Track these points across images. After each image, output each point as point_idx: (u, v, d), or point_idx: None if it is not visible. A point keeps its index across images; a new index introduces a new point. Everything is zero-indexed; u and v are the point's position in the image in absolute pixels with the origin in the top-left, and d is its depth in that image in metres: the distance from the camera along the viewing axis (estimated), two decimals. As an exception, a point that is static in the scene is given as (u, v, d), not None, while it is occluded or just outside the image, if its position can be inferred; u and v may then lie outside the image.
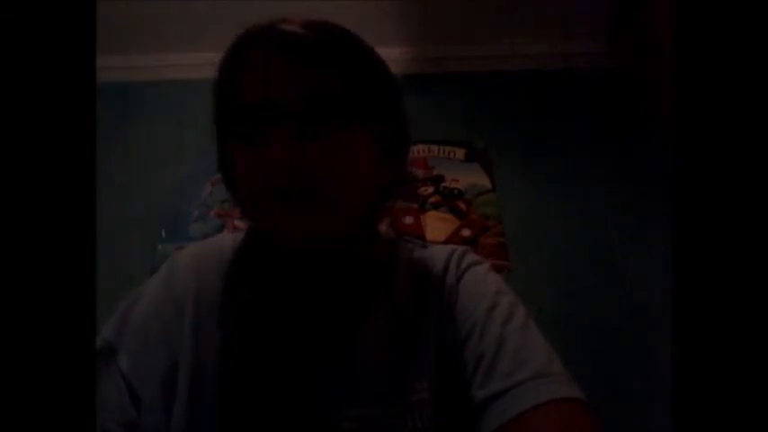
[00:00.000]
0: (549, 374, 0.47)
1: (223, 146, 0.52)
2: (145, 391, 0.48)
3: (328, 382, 0.49)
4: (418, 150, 1.72)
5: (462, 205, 1.62)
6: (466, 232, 1.57)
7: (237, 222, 1.61)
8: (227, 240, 0.58)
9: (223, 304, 0.52)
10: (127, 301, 0.54)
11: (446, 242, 1.53)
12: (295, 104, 0.44)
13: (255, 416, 0.48)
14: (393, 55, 1.88)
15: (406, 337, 0.52)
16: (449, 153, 1.73)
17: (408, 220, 1.58)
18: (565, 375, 0.48)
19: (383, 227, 0.60)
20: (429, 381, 0.50)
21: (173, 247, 1.53)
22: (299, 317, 0.52)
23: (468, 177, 1.68)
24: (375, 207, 0.54)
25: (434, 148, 1.73)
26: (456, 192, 1.65)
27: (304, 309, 0.53)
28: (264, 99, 0.44)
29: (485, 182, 1.67)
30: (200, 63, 1.91)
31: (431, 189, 1.66)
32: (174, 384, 0.48)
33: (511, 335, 0.49)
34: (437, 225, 1.58)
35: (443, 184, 1.67)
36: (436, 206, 1.62)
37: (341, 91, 0.46)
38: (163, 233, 1.58)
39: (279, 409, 0.48)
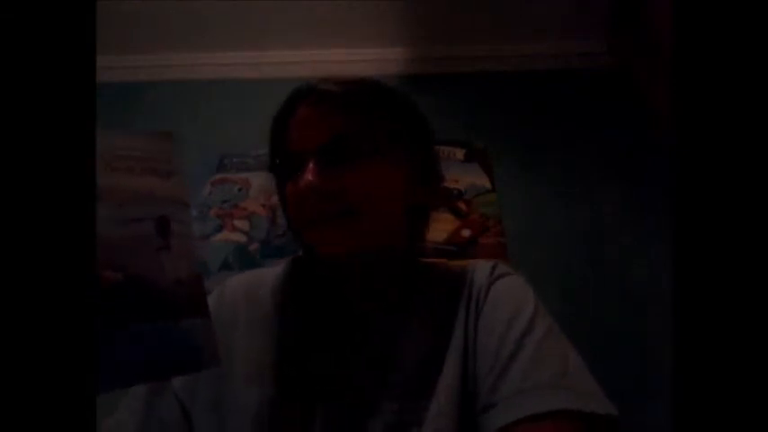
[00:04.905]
0: (549, 386, 0.47)
1: (279, 183, 0.63)
2: (195, 406, 0.54)
3: (368, 382, 0.53)
4: (418, 150, 1.72)
5: (462, 205, 1.62)
6: (466, 232, 1.57)
7: (237, 222, 1.61)
8: (272, 269, 0.66)
9: (271, 320, 0.59)
10: None
11: (446, 242, 1.53)
12: (324, 146, 0.55)
13: (300, 414, 0.52)
14: (393, 55, 1.88)
15: (437, 336, 0.55)
16: (448, 153, 1.73)
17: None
18: (571, 387, 0.48)
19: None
20: (452, 374, 0.52)
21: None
22: (341, 324, 0.58)
23: (467, 177, 1.68)
24: (412, 223, 0.62)
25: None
26: (456, 192, 1.65)
27: (346, 316, 0.58)
28: (302, 148, 0.56)
29: (485, 182, 1.67)
30: (200, 63, 1.92)
31: (431, 189, 1.65)
32: (222, 398, 0.53)
33: (527, 345, 0.51)
34: (437, 225, 1.57)
35: (443, 185, 1.66)
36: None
37: (361, 131, 0.56)
38: (163, 233, 1.58)
39: (322, 408, 0.52)
